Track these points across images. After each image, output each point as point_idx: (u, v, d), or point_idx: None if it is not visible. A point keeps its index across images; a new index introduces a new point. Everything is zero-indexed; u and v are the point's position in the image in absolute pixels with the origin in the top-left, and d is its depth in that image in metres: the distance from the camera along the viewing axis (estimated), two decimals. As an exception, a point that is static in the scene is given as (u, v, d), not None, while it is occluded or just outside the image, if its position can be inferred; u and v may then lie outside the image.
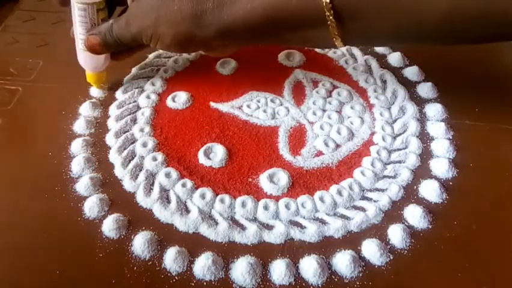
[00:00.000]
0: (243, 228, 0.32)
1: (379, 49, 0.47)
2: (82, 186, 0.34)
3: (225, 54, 0.39)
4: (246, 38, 0.35)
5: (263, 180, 0.35)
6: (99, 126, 0.39)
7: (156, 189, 0.34)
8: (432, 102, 0.42)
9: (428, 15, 0.31)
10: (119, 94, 0.42)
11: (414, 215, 0.33)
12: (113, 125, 0.39)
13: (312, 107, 0.41)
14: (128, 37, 0.37)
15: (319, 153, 0.37)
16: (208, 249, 0.31)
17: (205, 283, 0.30)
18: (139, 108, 0.41)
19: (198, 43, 0.35)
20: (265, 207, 0.33)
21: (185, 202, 0.34)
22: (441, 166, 0.36)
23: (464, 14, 0.31)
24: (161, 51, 0.46)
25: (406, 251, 0.32)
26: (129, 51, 0.40)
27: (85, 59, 0.40)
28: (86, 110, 0.40)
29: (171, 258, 0.30)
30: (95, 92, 0.41)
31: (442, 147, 0.38)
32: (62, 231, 0.32)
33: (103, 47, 0.37)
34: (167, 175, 0.35)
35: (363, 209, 0.34)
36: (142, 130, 0.38)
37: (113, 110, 0.40)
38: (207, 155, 0.37)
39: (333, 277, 0.30)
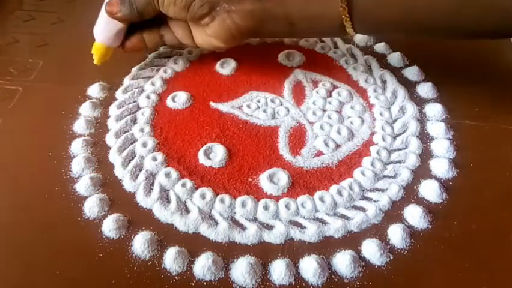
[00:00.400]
0: (243, 228, 0.32)
1: (379, 49, 0.47)
2: (82, 186, 0.34)
3: (224, 33, 0.38)
4: (253, 5, 0.36)
5: (263, 180, 0.35)
6: (99, 126, 0.39)
7: (156, 189, 0.34)
8: (432, 102, 0.42)
9: (437, 4, 0.31)
10: (119, 94, 0.42)
11: (414, 215, 0.33)
12: (113, 125, 0.39)
13: (312, 107, 0.41)
14: (142, 0, 0.38)
15: (319, 153, 0.37)
16: (208, 249, 0.31)
17: (205, 283, 0.30)
18: (139, 108, 0.41)
19: (204, 0, 0.36)
20: (265, 207, 0.33)
21: (185, 202, 0.34)
22: (441, 166, 0.36)
23: (473, 6, 0.31)
24: (161, 50, 0.46)
25: (406, 251, 0.32)
26: (140, 40, 0.41)
27: (101, 27, 0.40)
28: (86, 110, 0.40)
29: (171, 258, 0.30)
30: (95, 92, 0.41)
31: (442, 147, 0.38)
32: (62, 231, 0.32)
33: (120, 11, 0.38)
34: (167, 175, 0.35)
35: (363, 209, 0.34)
36: (142, 130, 0.38)
37: (113, 110, 0.40)
38: (207, 155, 0.37)
39: (333, 277, 0.30)
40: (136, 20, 0.39)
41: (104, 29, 0.40)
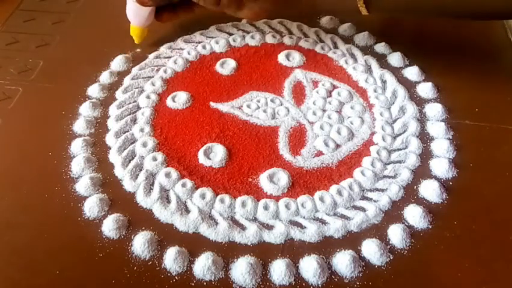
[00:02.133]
0: (243, 228, 0.32)
1: (379, 49, 0.47)
2: (82, 186, 0.34)
3: (254, 16, 0.42)
4: None
5: (263, 180, 0.35)
6: (99, 126, 0.39)
7: (156, 189, 0.34)
8: (432, 102, 0.42)
9: None
10: (119, 94, 0.42)
11: (414, 215, 0.33)
12: (113, 125, 0.39)
13: (312, 107, 0.41)
14: None
15: (319, 153, 0.37)
16: (208, 249, 0.31)
17: (205, 283, 0.30)
18: (139, 108, 0.41)
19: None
20: (265, 207, 0.33)
21: (185, 202, 0.34)
22: (441, 166, 0.36)
23: None
24: (161, 50, 0.46)
25: (406, 251, 0.32)
26: (172, 13, 0.44)
27: (132, 12, 0.43)
28: (86, 110, 0.40)
29: (171, 258, 0.30)
30: (95, 92, 0.41)
31: (442, 147, 0.38)
32: (62, 231, 0.32)
33: (151, 1, 0.41)
34: (167, 175, 0.35)
35: (363, 209, 0.34)
36: (142, 130, 0.38)
37: (113, 110, 0.40)
38: (207, 155, 0.37)
39: (333, 277, 0.30)
40: (166, 3, 0.42)
41: (136, 13, 0.43)
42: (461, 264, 0.31)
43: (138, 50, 0.46)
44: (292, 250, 0.32)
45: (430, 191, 0.35)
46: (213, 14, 0.43)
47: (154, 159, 0.36)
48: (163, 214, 0.33)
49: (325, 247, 0.32)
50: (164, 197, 0.34)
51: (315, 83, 0.43)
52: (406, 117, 0.40)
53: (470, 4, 0.36)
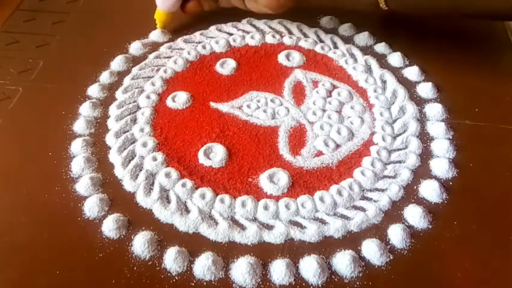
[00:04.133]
0: (243, 228, 0.32)
1: (379, 49, 0.47)
2: (82, 186, 0.34)
3: (274, 6, 0.43)
4: None
5: (263, 180, 0.35)
6: (99, 126, 0.39)
7: (156, 189, 0.34)
8: (432, 102, 0.42)
9: None
10: (119, 94, 0.42)
11: (414, 215, 0.33)
12: (113, 125, 0.39)
13: (312, 107, 0.41)
14: None
15: (319, 153, 0.37)
16: (208, 249, 0.31)
17: (205, 283, 0.30)
18: (139, 108, 0.41)
19: None
20: (265, 207, 0.33)
21: (186, 202, 0.34)
22: (441, 166, 0.36)
23: None
24: (161, 50, 0.46)
25: (406, 251, 0.32)
26: (198, 4, 0.46)
27: None
28: (86, 110, 0.40)
29: (171, 258, 0.30)
30: (95, 92, 0.41)
31: (442, 147, 0.38)
32: (62, 231, 0.32)
33: None
34: (167, 175, 0.35)
35: (363, 209, 0.34)
36: (142, 130, 0.38)
37: (113, 110, 0.40)
38: (207, 155, 0.37)
39: (333, 277, 0.30)
40: None
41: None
42: (461, 264, 0.31)
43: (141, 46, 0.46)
44: (292, 250, 0.32)
45: (430, 191, 0.35)
46: (231, 9, 0.45)
47: (154, 159, 0.36)
48: (163, 214, 0.33)
49: (325, 247, 0.32)
50: (164, 197, 0.34)
51: (315, 83, 0.43)
52: (406, 117, 0.40)
53: (493, 3, 0.37)
